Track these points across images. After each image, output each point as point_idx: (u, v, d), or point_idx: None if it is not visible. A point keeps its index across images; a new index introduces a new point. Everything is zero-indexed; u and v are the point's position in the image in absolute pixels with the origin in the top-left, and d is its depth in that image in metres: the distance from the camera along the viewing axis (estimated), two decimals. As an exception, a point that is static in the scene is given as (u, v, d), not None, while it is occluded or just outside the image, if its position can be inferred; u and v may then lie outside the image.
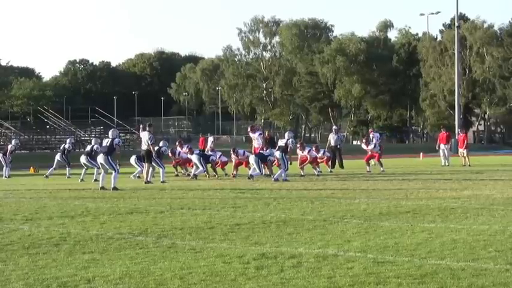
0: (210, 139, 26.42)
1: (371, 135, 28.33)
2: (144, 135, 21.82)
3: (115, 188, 18.06)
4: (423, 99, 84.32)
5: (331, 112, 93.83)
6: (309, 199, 14.74)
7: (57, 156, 26.52)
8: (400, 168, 28.05)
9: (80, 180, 22.86)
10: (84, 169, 23.64)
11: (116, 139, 19.36)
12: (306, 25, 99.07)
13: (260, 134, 25.83)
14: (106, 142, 19.44)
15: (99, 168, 23.40)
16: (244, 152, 24.44)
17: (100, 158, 19.27)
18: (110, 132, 19.86)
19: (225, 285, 6.59)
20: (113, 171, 18.56)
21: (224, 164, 24.82)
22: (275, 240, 9.14)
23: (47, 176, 25.16)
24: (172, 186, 19.28)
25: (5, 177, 26.14)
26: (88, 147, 24.03)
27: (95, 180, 21.56)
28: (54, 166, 26.34)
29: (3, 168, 27.22)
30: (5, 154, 28.08)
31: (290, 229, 10.18)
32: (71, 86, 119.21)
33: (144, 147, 21.72)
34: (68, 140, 27.84)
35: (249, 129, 25.55)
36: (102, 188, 18.36)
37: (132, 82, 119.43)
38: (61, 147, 27.57)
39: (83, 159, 23.24)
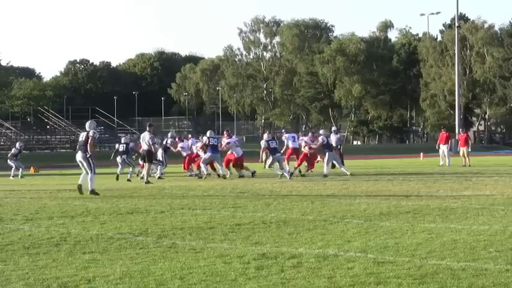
0: None
1: (283, 138, 27.71)
2: (145, 136, 21.90)
3: (93, 192, 16.32)
4: (423, 99, 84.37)
5: (331, 112, 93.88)
6: (309, 199, 14.74)
7: (78, 157, 25.36)
8: (401, 169, 28.06)
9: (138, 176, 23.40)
10: (119, 168, 24.13)
11: (91, 131, 16.78)
12: (307, 25, 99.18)
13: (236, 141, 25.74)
14: (82, 136, 17.08)
15: (134, 167, 23.86)
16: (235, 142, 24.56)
17: (78, 156, 16.78)
18: (87, 124, 17.25)
19: (225, 285, 6.59)
20: (89, 172, 16.41)
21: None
22: (275, 240, 9.13)
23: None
24: (172, 186, 19.29)
25: (17, 177, 26.35)
26: (120, 147, 24.72)
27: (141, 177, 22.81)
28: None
29: (19, 169, 27.35)
30: (14, 156, 28.19)
31: (290, 229, 10.18)
32: (71, 86, 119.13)
33: (144, 147, 21.76)
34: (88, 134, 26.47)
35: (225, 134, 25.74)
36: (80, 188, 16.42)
37: (133, 82, 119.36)
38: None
39: (119, 159, 24.41)
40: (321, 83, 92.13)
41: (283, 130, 27.41)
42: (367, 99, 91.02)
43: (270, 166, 23.50)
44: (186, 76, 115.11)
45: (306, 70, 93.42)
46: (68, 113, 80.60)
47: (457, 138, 40.97)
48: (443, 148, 30.84)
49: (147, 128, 22.22)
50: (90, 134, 16.68)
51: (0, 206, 14.31)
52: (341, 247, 8.49)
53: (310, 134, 26.60)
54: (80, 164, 16.79)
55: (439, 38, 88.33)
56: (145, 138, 21.84)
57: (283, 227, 10.40)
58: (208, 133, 23.76)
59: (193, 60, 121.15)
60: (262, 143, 23.64)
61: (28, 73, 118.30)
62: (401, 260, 7.61)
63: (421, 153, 41.82)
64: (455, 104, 61.38)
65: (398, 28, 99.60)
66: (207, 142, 23.14)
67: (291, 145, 25.08)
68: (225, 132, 25.77)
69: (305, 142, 24.17)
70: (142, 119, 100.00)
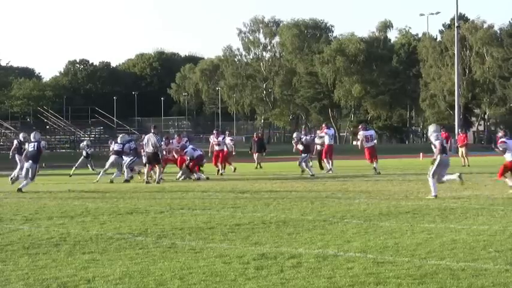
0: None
1: (226, 139, 28.45)
2: (150, 138, 21.79)
3: (20, 190, 17.52)
4: (423, 99, 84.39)
5: (331, 112, 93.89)
6: (308, 199, 14.74)
7: (111, 159, 23.86)
8: (400, 169, 28.04)
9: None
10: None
11: (42, 142, 18.72)
12: (306, 25, 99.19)
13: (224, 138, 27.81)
14: (32, 146, 18.61)
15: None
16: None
17: (28, 164, 18.33)
18: (32, 135, 18.90)
19: (224, 286, 6.59)
20: (29, 180, 17.96)
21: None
22: (275, 241, 9.14)
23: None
24: (172, 187, 19.29)
25: None
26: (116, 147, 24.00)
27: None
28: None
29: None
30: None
31: (290, 229, 10.18)
32: (70, 86, 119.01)
33: (150, 149, 21.64)
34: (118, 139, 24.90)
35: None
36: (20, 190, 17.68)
37: (132, 82, 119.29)
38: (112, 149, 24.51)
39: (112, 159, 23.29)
40: (320, 83, 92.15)
41: (214, 131, 28.34)
42: (367, 99, 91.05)
43: (129, 167, 22.40)
44: (186, 76, 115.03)
45: (305, 70, 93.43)
46: (68, 113, 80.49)
47: (456, 138, 40.92)
48: (443, 148, 30.79)
49: (152, 130, 22.31)
50: (42, 144, 18.54)
51: (0, 206, 14.32)
52: (341, 247, 8.49)
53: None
54: (25, 171, 18.38)
55: (439, 38, 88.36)
56: (150, 140, 21.72)
57: (283, 227, 10.40)
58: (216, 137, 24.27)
59: (193, 60, 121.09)
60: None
61: (28, 73, 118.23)
62: (401, 260, 7.62)
63: (421, 153, 41.71)
64: (454, 104, 61.31)
65: (398, 28, 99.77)
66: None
67: (216, 147, 27.24)
68: (324, 125, 27.98)
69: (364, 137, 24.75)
70: (142, 119, 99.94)
